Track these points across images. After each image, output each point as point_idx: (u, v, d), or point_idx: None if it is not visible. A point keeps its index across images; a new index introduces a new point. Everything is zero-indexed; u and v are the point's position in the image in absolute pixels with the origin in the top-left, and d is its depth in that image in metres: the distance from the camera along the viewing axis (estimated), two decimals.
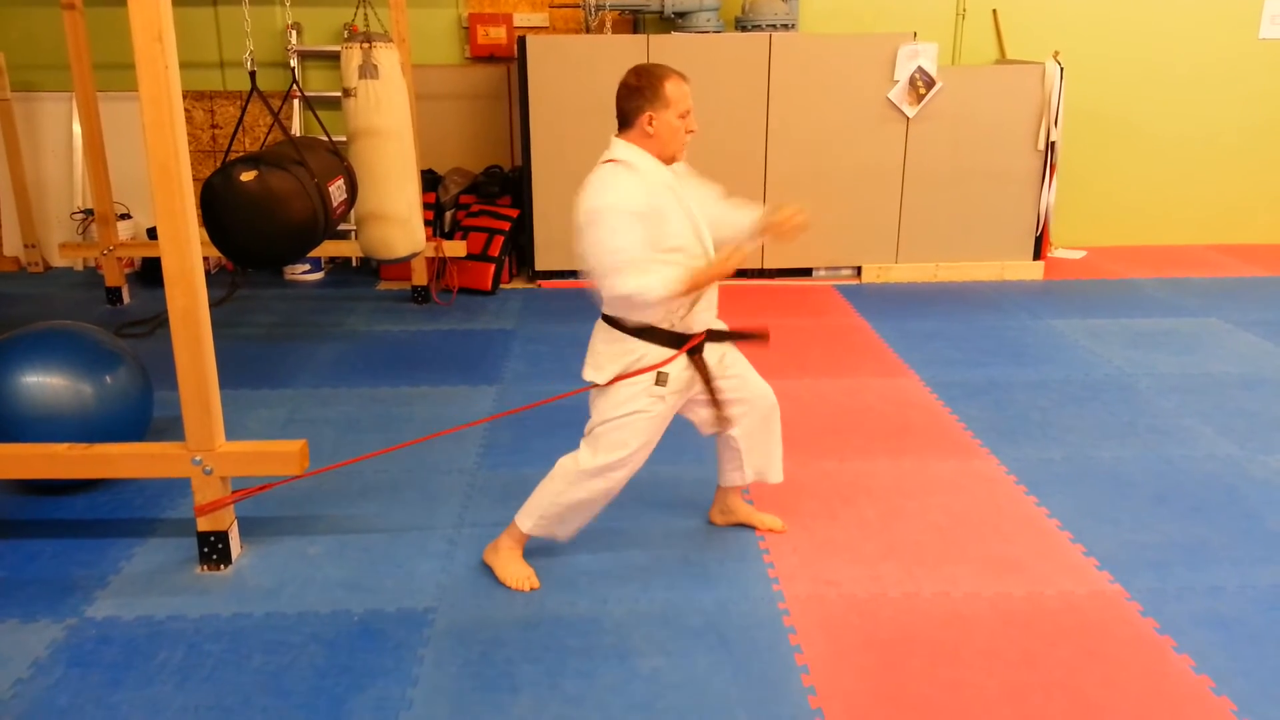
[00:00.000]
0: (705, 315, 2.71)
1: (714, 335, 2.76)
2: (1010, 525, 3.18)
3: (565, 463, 2.77)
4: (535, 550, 3.01)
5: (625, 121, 2.60)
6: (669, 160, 2.63)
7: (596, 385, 2.70)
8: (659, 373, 2.64)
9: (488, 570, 2.90)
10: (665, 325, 2.64)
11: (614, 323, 2.66)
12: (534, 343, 5.00)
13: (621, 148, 2.59)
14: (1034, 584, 2.84)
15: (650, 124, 2.55)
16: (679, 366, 2.68)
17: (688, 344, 2.67)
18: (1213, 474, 3.52)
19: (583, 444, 2.75)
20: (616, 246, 2.46)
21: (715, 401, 2.74)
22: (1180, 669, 2.48)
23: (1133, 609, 2.73)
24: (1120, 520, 3.20)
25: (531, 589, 2.80)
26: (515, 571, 2.85)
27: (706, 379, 2.72)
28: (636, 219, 2.47)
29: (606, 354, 2.68)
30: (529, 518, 2.82)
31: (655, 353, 2.64)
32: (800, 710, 2.33)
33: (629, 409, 2.66)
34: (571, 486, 2.74)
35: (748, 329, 2.80)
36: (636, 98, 2.54)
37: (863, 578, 2.88)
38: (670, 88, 2.54)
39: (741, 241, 2.71)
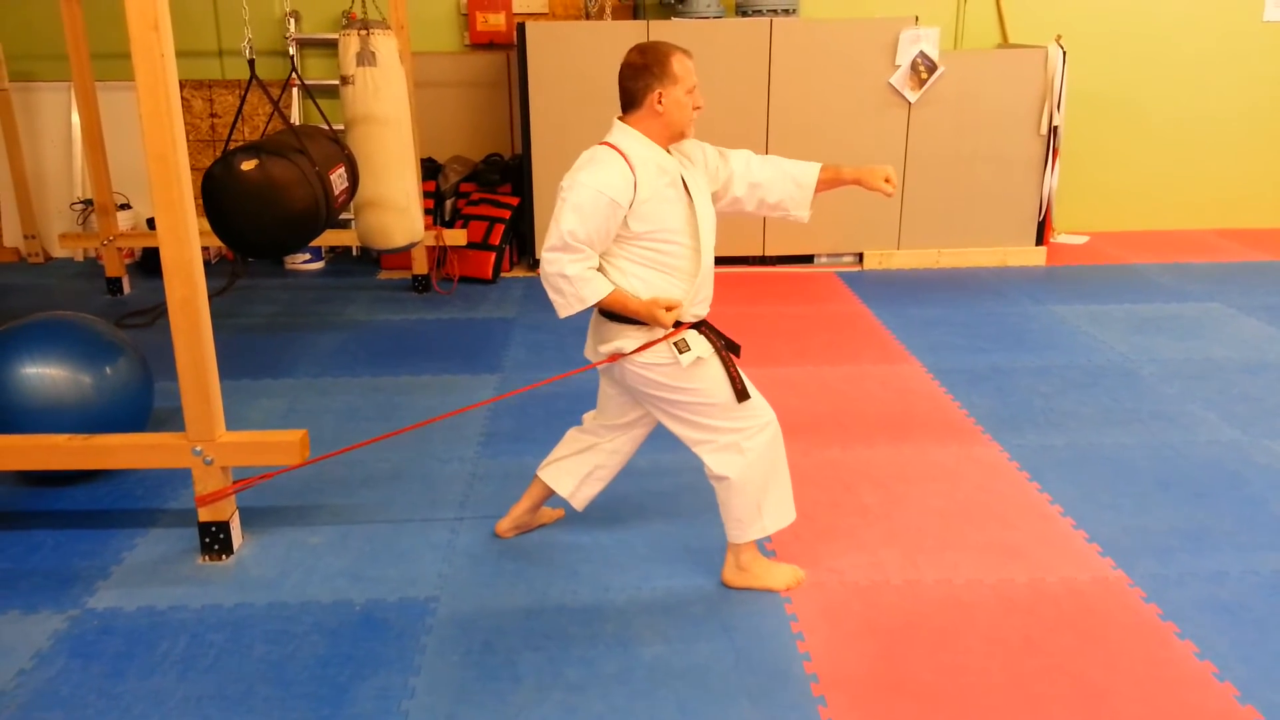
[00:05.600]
0: (698, 309, 2.61)
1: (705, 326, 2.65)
2: (1012, 511, 3.18)
3: (721, 473, 2.63)
4: (535, 540, 3.01)
5: (632, 102, 2.52)
6: (678, 138, 2.58)
7: (623, 354, 2.57)
8: (673, 344, 2.53)
9: (489, 559, 2.90)
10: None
11: (609, 315, 2.57)
12: (535, 331, 4.99)
13: (619, 132, 2.54)
14: (1036, 570, 2.84)
15: (660, 102, 2.49)
16: (691, 334, 2.58)
17: (683, 326, 2.57)
18: (1216, 459, 3.51)
19: (703, 453, 2.64)
20: (575, 224, 2.41)
21: (731, 367, 2.60)
22: (1183, 655, 2.47)
23: (1135, 595, 2.72)
24: (1123, 506, 3.20)
25: (800, 579, 2.78)
26: (777, 574, 2.77)
27: (717, 345, 2.60)
28: (610, 207, 2.42)
29: (615, 332, 2.58)
30: (744, 528, 2.70)
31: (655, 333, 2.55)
32: (802, 697, 2.33)
33: (694, 384, 2.56)
34: (748, 472, 2.62)
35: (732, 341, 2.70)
36: (644, 76, 2.48)
37: (864, 565, 2.88)
38: (677, 63, 2.49)
39: (793, 213, 2.74)
